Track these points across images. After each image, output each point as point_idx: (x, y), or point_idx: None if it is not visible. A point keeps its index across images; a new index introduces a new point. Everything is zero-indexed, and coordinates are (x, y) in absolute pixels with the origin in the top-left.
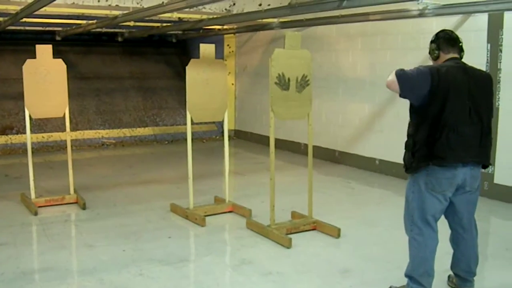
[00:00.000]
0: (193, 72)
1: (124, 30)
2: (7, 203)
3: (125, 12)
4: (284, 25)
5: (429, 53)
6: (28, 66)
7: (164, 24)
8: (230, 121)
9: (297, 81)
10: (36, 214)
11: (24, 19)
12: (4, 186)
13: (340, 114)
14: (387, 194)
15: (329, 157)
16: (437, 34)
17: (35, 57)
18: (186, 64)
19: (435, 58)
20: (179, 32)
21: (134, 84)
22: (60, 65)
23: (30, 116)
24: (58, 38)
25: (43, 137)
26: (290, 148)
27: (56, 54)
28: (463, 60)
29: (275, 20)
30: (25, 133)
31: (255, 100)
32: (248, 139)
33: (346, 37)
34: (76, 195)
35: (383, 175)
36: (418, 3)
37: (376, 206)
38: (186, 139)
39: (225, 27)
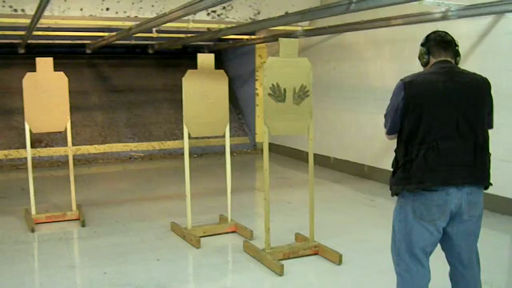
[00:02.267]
0: (190, 83)
1: (154, 42)
2: (10, 219)
3: (137, 23)
4: (308, 33)
5: (418, 58)
6: (28, 79)
7: (189, 35)
8: (262, 134)
9: (295, 92)
10: (33, 231)
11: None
12: (16, 200)
13: (369, 127)
14: None
15: (358, 172)
16: (427, 36)
17: (71, 70)
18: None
19: (425, 64)
20: (211, 43)
21: (166, 96)
22: (61, 78)
23: (30, 131)
24: (88, 51)
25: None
26: (319, 162)
27: (89, 67)
28: (458, 65)
29: (299, 28)
30: (53, 146)
31: None
32: (279, 153)
33: (374, 44)
34: (78, 211)
35: None
36: (439, 5)
37: None
38: (216, 153)
39: (253, 37)
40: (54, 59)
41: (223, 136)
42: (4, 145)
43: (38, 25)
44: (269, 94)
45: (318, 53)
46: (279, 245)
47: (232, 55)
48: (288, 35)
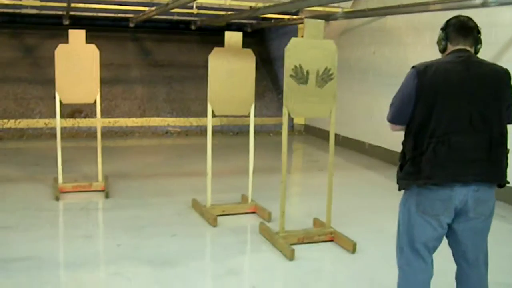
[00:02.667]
0: (216, 61)
1: (196, 18)
2: (39, 186)
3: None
4: (348, 15)
5: (437, 43)
6: (60, 51)
7: (229, 13)
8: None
9: (318, 75)
10: (57, 199)
11: (95, 6)
12: (49, 168)
13: None
14: None
15: (392, 159)
16: (448, 21)
17: (114, 43)
18: (263, 54)
19: (442, 50)
20: (253, 21)
21: (207, 73)
22: (93, 51)
23: (60, 101)
24: (131, 25)
25: (109, 122)
26: (354, 147)
27: (133, 41)
28: (478, 55)
29: (339, 10)
30: (93, 117)
31: None
32: (317, 135)
33: (415, 30)
34: (104, 182)
35: None
36: None
37: None
38: (255, 131)
39: (294, 17)
40: (98, 32)
41: (260, 115)
42: (45, 113)
43: None
44: (291, 76)
45: (359, 36)
46: (296, 229)
47: (275, 34)
48: (329, 16)
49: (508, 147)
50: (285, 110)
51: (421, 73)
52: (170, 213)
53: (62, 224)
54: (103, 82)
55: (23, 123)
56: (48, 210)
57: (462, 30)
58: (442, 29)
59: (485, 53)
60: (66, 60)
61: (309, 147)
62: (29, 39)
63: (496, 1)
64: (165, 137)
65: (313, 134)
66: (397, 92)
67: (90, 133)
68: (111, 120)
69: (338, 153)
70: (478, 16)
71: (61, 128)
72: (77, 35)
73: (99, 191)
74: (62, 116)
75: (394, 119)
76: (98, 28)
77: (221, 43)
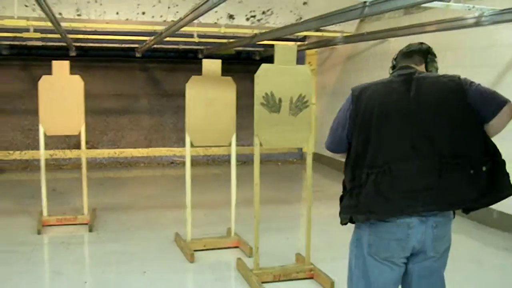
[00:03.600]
0: (193, 90)
1: (202, 47)
2: (25, 219)
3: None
4: (348, 39)
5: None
6: (44, 82)
7: (231, 40)
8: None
9: (292, 102)
10: (39, 233)
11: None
12: (37, 200)
13: None
14: None
15: None
16: (400, 50)
17: (123, 74)
18: None
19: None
20: (261, 49)
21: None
22: (77, 82)
23: (44, 133)
24: (137, 55)
25: (114, 152)
26: None
27: (142, 71)
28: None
29: (338, 34)
30: (98, 148)
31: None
32: (327, 164)
33: None
34: (89, 215)
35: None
36: (470, 9)
37: None
38: (262, 161)
39: (298, 43)
40: (107, 62)
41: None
42: (51, 145)
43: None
44: (262, 104)
45: (363, 61)
46: (280, 264)
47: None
48: (329, 41)
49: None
50: (256, 140)
51: (356, 97)
52: (151, 247)
53: (35, 259)
54: (111, 112)
55: (28, 154)
56: (27, 245)
57: (407, 52)
58: (392, 60)
59: (488, 75)
60: (50, 91)
61: (316, 176)
62: (37, 71)
63: (490, 20)
64: (170, 168)
65: (322, 162)
66: (334, 119)
67: (95, 164)
68: (117, 150)
69: (336, 179)
70: (478, 37)
71: (66, 159)
72: (60, 66)
73: (84, 224)
74: (68, 147)
75: (332, 146)
76: (108, 59)
77: (230, 71)
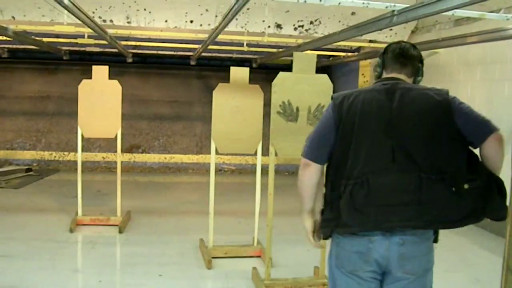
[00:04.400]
0: (221, 97)
1: (255, 56)
2: (62, 218)
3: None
4: None
5: (373, 69)
6: (83, 86)
7: (280, 50)
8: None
9: (310, 112)
10: (71, 231)
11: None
12: (84, 201)
13: None
14: None
15: None
16: (387, 47)
17: (179, 81)
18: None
19: (376, 78)
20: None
21: (269, 111)
22: (115, 86)
23: (82, 136)
24: (192, 62)
25: (165, 158)
26: None
27: (198, 78)
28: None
29: (383, 46)
30: (149, 153)
31: None
32: None
33: (465, 65)
34: (121, 217)
35: None
36: (508, 19)
37: None
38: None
39: (349, 54)
40: (164, 70)
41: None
42: (104, 148)
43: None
44: (278, 113)
45: None
46: (297, 276)
47: (340, 72)
48: (377, 52)
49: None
50: (272, 149)
51: (338, 105)
52: (173, 252)
53: (59, 256)
54: (165, 118)
55: (82, 156)
56: (56, 242)
57: (400, 58)
58: (380, 54)
59: None
60: (89, 95)
61: None
62: None
63: None
64: (217, 174)
65: None
66: (314, 128)
67: (144, 168)
68: (167, 156)
69: None
70: None
71: (117, 162)
72: (100, 71)
73: (115, 225)
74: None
75: (309, 153)
76: (164, 66)
77: None
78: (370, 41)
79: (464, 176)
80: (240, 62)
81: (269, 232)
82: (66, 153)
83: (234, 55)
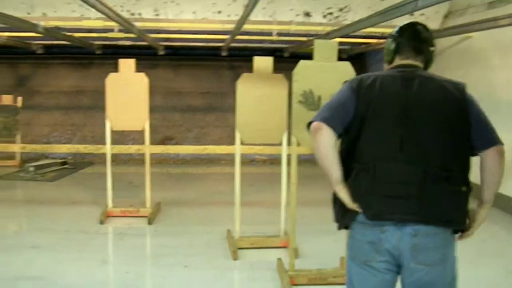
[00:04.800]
0: (244, 87)
1: (287, 45)
2: (94, 209)
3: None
4: None
5: (384, 53)
6: (111, 79)
7: (310, 38)
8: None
9: None
10: (101, 223)
11: (186, 36)
12: (115, 192)
13: None
14: None
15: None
16: (401, 28)
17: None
18: None
19: (389, 62)
20: (346, 47)
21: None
22: (142, 79)
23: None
24: (223, 53)
25: (197, 149)
26: None
27: (229, 69)
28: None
29: None
30: (182, 144)
31: None
32: None
33: (501, 50)
34: (150, 209)
35: None
36: None
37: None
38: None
39: (381, 41)
40: (196, 61)
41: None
42: (138, 140)
43: (153, 28)
44: (300, 102)
45: (447, 59)
46: (323, 267)
47: (374, 59)
48: None
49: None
50: (293, 139)
51: (356, 83)
52: (201, 243)
53: (89, 247)
54: (198, 110)
55: (115, 148)
56: (86, 233)
57: (416, 43)
58: (394, 37)
59: None
60: (116, 88)
61: None
62: None
63: None
64: (249, 165)
65: None
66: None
67: (177, 160)
68: (200, 147)
69: None
70: None
71: (150, 154)
72: (127, 64)
73: (145, 217)
74: (153, 143)
75: (318, 116)
76: (196, 58)
77: None
78: None
79: (465, 178)
80: (271, 52)
81: (292, 222)
82: (100, 146)
83: (265, 45)
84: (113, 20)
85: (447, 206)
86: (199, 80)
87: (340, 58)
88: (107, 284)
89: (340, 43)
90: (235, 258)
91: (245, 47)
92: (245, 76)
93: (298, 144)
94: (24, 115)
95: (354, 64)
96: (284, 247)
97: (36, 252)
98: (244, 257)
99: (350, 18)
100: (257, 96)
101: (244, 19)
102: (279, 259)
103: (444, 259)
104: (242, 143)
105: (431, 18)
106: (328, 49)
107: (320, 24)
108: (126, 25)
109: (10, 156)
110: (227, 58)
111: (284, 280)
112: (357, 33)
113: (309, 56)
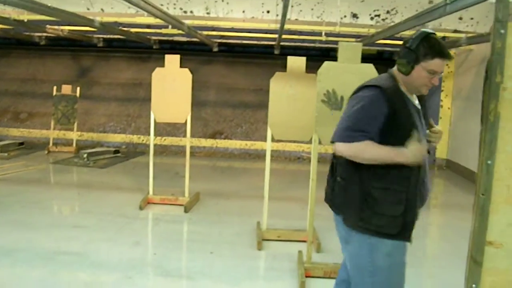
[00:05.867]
0: (277, 86)
1: (336, 46)
2: (136, 196)
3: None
4: (470, 40)
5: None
6: (157, 73)
7: (358, 39)
8: (443, 150)
9: None
10: (141, 208)
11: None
12: (161, 181)
13: None
14: None
15: None
16: (427, 39)
17: (264, 70)
18: None
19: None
20: (397, 49)
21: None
22: (186, 74)
23: (155, 120)
24: (276, 51)
25: (246, 144)
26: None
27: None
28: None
29: (462, 35)
30: (232, 139)
31: (467, 128)
32: (460, 173)
33: None
34: (188, 198)
35: None
36: None
37: None
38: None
39: None
40: (250, 58)
41: None
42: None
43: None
44: (322, 101)
45: None
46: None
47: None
48: (455, 42)
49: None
50: (315, 137)
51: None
52: (230, 232)
53: (126, 230)
54: (249, 106)
55: (167, 140)
56: (125, 217)
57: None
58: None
59: None
60: (162, 82)
61: (450, 185)
62: (186, 64)
63: None
64: (295, 163)
65: (455, 171)
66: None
67: (225, 153)
68: (248, 142)
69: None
70: None
71: (201, 147)
72: (172, 60)
73: (182, 205)
74: (203, 136)
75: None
76: (250, 55)
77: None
78: (455, 31)
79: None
80: (324, 51)
81: (310, 217)
82: (153, 137)
83: (317, 45)
84: (160, 18)
85: (335, 194)
86: (252, 77)
87: (391, 60)
88: (134, 262)
89: (390, 45)
90: (260, 248)
91: (298, 46)
92: (278, 74)
93: (320, 142)
94: (83, 104)
95: None
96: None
97: (77, 231)
98: (269, 248)
99: (397, 20)
100: (289, 94)
101: (284, 18)
102: (300, 252)
103: (345, 240)
104: (275, 140)
105: (481, 22)
106: (352, 51)
107: (367, 26)
108: (174, 23)
109: (69, 142)
110: (280, 56)
111: (299, 271)
112: (405, 36)
113: (366, 57)
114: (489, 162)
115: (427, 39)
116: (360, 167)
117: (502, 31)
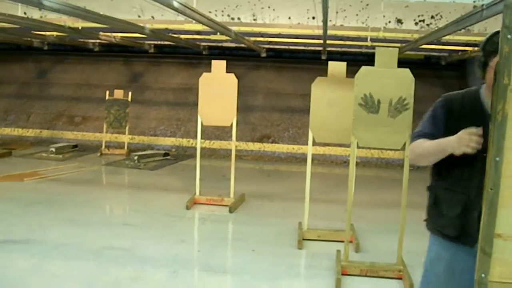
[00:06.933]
0: (319, 90)
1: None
2: (183, 196)
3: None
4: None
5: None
6: (204, 78)
7: (403, 45)
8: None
9: (391, 105)
10: (187, 208)
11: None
12: (208, 183)
13: None
14: None
15: None
16: (487, 41)
17: (312, 75)
18: (463, 86)
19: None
20: (445, 54)
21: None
22: (231, 79)
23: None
24: (323, 57)
25: (293, 148)
26: None
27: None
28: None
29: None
30: (279, 143)
31: None
32: None
33: None
34: (233, 199)
35: None
36: None
37: None
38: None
39: (475, 48)
40: (298, 64)
41: None
42: (238, 137)
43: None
44: (360, 104)
45: None
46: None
47: (472, 67)
48: None
49: None
50: (353, 139)
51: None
52: (273, 232)
53: (172, 228)
54: (296, 111)
55: (216, 144)
56: (172, 216)
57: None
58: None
59: None
60: (208, 87)
61: None
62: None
63: None
64: (341, 167)
65: None
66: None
67: (272, 157)
68: (295, 147)
69: None
70: None
71: (248, 151)
72: (218, 65)
73: (227, 206)
74: (251, 140)
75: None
76: (298, 61)
77: (419, 76)
78: None
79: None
80: (371, 56)
81: (348, 216)
82: (202, 140)
83: (364, 50)
84: (207, 25)
85: None
86: (300, 82)
87: (438, 65)
88: (179, 258)
89: (435, 50)
90: (300, 247)
91: (345, 52)
92: (319, 79)
93: (358, 145)
94: (135, 109)
95: (455, 71)
96: (349, 241)
97: (125, 229)
98: (310, 247)
99: (442, 25)
100: (330, 98)
101: (326, 24)
102: (338, 251)
103: None
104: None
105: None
106: (389, 56)
107: (412, 31)
108: (221, 29)
109: (120, 145)
110: (327, 62)
111: (336, 269)
112: (451, 41)
113: (407, 61)
114: (497, 159)
115: (487, 40)
116: (433, 170)
117: (509, 36)
